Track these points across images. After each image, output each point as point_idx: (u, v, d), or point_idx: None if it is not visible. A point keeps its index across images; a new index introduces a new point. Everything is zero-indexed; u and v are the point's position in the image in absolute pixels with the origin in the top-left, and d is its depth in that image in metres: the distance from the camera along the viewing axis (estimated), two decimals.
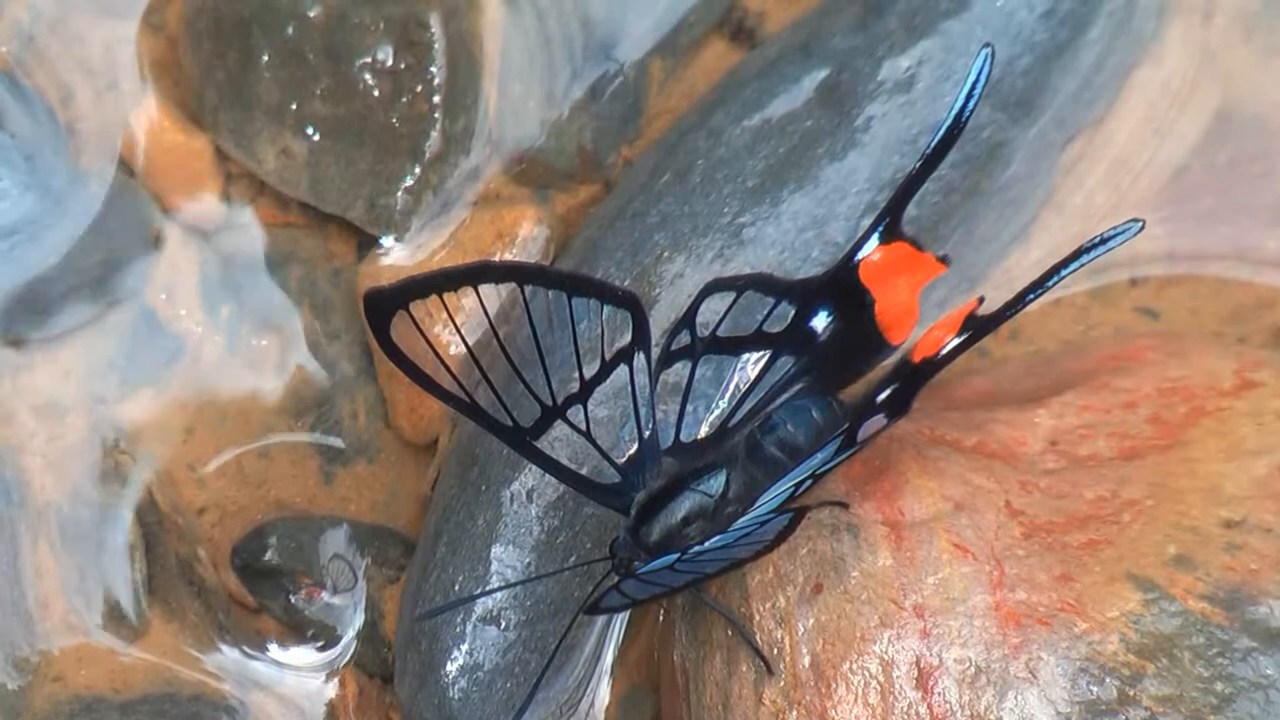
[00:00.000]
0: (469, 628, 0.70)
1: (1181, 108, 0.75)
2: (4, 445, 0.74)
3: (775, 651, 0.65)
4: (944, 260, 0.68)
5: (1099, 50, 0.74)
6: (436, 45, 0.74)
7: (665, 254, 0.72)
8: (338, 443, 0.75)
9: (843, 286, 0.68)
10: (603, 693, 0.72)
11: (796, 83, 0.73)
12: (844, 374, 0.68)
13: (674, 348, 0.68)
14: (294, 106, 0.75)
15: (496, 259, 0.74)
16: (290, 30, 0.75)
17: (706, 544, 0.63)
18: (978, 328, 0.64)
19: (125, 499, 0.74)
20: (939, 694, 0.63)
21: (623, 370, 0.66)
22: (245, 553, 0.74)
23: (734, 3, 0.77)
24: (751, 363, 0.69)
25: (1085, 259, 0.63)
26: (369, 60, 0.74)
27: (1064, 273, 0.63)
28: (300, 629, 0.73)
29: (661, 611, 0.72)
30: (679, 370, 0.68)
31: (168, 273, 0.76)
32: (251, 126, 0.75)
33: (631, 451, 0.68)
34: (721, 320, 0.68)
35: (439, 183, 0.75)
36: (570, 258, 0.74)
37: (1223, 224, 0.75)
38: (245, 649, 0.73)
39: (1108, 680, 0.63)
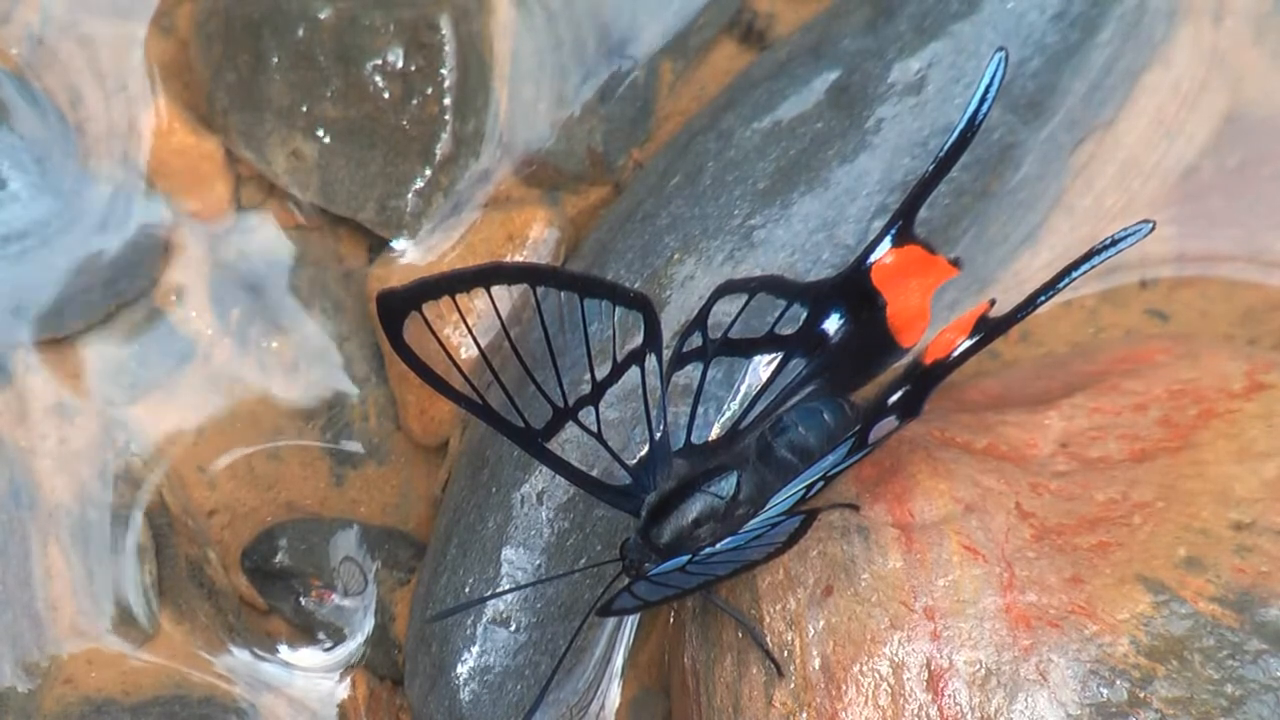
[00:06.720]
0: (479, 630, 0.70)
1: (1191, 110, 0.75)
2: (14, 447, 0.74)
3: (786, 653, 0.65)
4: (956, 263, 0.68)
5: (1109, 52, 0.74)
6: (447, 47, 0.74)
7: (676, 256, 0.72)
8: (348, 445, 0.75)
9: (855, 289, 0.68)
10: (613, 695, 0.72)
11: (807, 85, 0.73)
12: (856, 376, 0.68)
13: (685, 350, 0.68)
14: (305, 108, 0.75)
15: (508, 260, 0.74)
16: (301, 32, 0.75)
17: (718, 546, 0.63)
18: (989, 330, 0.64)
19: (135, 501, 0.74)
20: (949, 696, 0.63)
21: (634, 372, 0.66)
22: (256, 555, 0.74)
23: (744, 5, 0.77)
24: (763, 365, 0.68)
25: (1096, 261, 0.63)
26: (380, 62, 0.74)
27: (1074, 275, 0.63)
28: (311, 631, 0.73)
29: (672, 614, 0.72)
30: (690, 372, 0.68)
31: (178, 275, 0.76)
32: (262, 128, 0.75)
33: (642, 453, 0.68)
34: (733, 322, 0.68)
35: (449, 185, 0.75)
36: (581, 260, 0.74)
37: (1233, 226, 0.75)
38: (255, 651, 0.73)
39: (1118, 682, 0.63)
